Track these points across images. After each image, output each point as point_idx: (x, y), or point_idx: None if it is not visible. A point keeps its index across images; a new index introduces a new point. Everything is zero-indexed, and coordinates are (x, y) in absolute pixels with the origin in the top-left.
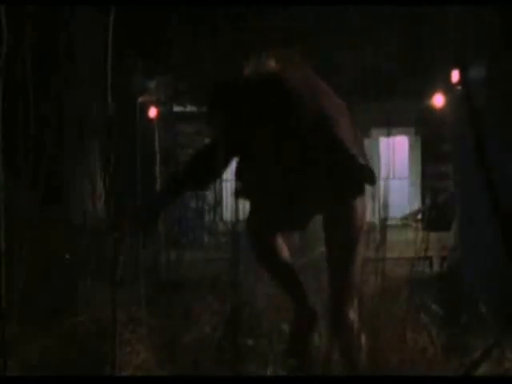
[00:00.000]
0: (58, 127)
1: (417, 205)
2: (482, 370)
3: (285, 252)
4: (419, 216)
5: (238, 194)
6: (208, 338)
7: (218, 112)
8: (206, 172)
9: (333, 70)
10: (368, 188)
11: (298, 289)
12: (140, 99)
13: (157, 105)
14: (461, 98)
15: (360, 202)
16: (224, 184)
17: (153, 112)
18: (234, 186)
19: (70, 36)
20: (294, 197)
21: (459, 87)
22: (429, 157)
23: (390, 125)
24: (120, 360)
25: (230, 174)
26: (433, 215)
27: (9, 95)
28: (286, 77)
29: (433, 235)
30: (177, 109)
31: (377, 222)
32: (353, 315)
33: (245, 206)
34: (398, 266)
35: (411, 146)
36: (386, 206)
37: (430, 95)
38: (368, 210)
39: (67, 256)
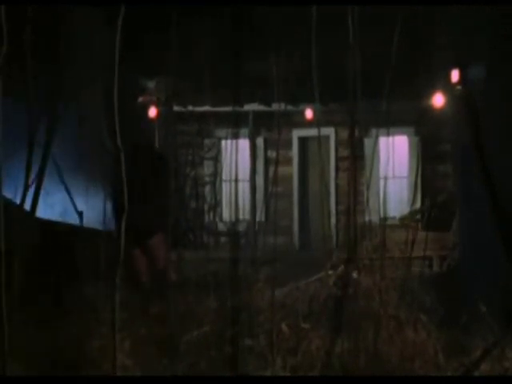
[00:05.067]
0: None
1: (416, 205)
2: (482, 369)
3: None
4: (418, 216)
5: None
6: (208, 338)
7: None
8: None
9: (333, 70)
10: (370, 187)
11: None
12: (140, 99)
13: (157, 105)
14: (460, 97)
15: None
16: (224, 184)
17: (153, 112)
18: (233, 186)
19: (71, 36)
20: None
21: (459, 87)
22: (428, 156)
23: (390, 124)
24: None
25: (229, 174)
26: (432, 215)
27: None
28: None
29: (432, 235)
30: (177, 109)
31: (376, 221)
32: None
33: (244, 206)
34: (397, 265)
35: (411, 146)
36: (385, 205)
37: (430, 95)
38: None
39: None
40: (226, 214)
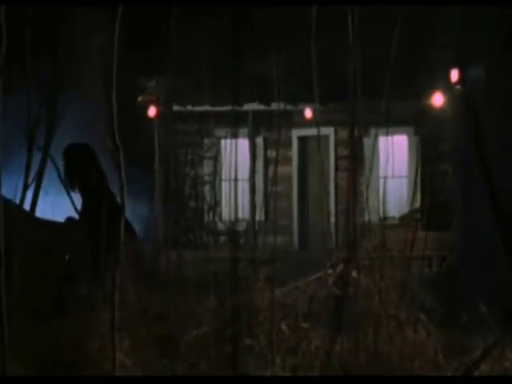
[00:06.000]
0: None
1: (416, 204)
2: (482, 369)
3: None
4: (418, 215)
5: None
6: (208, 338)
7: None
8: None
9: (333, 70)
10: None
11: None
12: (140, 99)
13: (156, 104)
14: (460, 97)
15: None
16: (223, 184)
17: (152, 111)
18: (233, 186)
19: (71, 35)
20: None
21: (459, 87)
22: (428, 156)
23: (389, 124)
24: None
25: (228, 174)
26: (432, 215)
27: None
28: None
29: (432, 235)
30: (176, 108)
31: (376, 221)
32: None
33: (244, 205)
34: (397, 265)
35: (410, 146)
36: (385, 205)
37: (430, 95)
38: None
39: (67, 256)
40: (226, 213)
